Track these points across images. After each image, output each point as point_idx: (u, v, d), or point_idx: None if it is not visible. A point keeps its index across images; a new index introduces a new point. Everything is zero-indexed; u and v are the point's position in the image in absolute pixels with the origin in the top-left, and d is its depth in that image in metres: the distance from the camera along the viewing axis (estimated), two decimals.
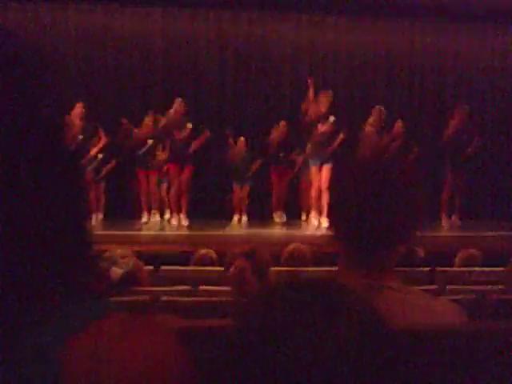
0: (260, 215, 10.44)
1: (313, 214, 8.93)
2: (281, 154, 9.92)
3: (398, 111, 11.49)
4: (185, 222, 8.82)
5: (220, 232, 8.36)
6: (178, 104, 8.76)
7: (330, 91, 8.74)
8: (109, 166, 10.00)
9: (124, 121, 9.75)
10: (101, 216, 9.96)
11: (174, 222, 8.90)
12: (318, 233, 8.13)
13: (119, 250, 3.55)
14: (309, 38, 12.16)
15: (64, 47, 11.42)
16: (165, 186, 10.13)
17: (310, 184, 9.07)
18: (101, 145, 9.23)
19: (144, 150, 9.49)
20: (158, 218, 10.18)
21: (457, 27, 12.43)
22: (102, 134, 9.42)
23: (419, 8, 11.71)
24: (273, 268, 3.23)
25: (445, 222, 9.15)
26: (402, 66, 12.44)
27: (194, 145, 8.83)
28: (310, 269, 4.42)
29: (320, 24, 12.20)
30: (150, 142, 9.47)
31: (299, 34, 12.14)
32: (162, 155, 9.58)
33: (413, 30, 12.48)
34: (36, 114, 0.66)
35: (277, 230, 9.26)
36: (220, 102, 11.85)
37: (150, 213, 9.85)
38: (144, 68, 11.67)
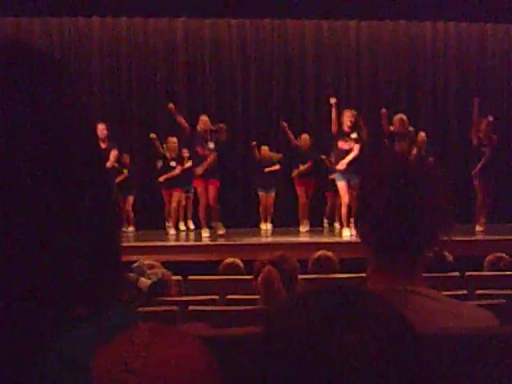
0: (286, 223, 10.46)
1: (339, 223, 8.96)
2: (302, 167, 9.92)
3: (420, 117, 11.45)
4: (221, 231, 8.86)
5: (247, 241, 8.36)
6: (203, 122, 8.76)
7: (354, 110, 8.75)
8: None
9: (152, 135, 9.81)
10: (132, 228, 10.15)
11: (205, 233, 8.91)
12: (345, 240, 8.10)
13: (147, 261, 3.57)
14: (332, 49, 12.13)
15: (84, 64, 11.56)
16: (191, 195, 10.24)
17: (336, 196, 9.14)
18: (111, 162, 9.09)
19: (166, 172, 9.64)
20: (185, 227, 10.28)
21: (478, 30, 12.32)
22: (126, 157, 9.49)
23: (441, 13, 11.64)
24: (300, 275, 3.22)
25: (478, 227, 9.12)
26: (424, 72, 12.35)
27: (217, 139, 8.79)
28: (337, 276, 4.40)
29: (343, 29, 12.17)
30: (173, 163, 9.57)
31: (321, 40, 12.13)
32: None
33: (435, 34, 12.39)
34: (71, 126, 0.67)
35: (303, 237, 9.24)
36: (245, 112, 11.88)
37: (176, 224, 9.95)
38: (166, 83, 11.74)
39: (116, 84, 11.72)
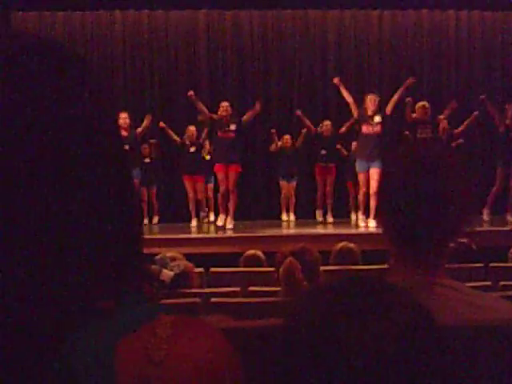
0: (308, 214, 10.44)
1: (361, 214, 8.88)
2: (323, 152, 9.91)
3: (444, 105, 11.32)
4: (230, 225, 8.79)
5: (268, 232, 8.37)
6: (223, 107, 8.74)
7: (377, 94, 8.68)
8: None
9: (162, 124, 9.85)
10: (156, 220, 10.23)
11: (220, 222, 8.91)
12: (367, 231, 8.06)
13: (170, 253, 3.59)
14: (353, 33, 12.05)
15: (107, 58, 11.62)
16: (211, 186, 10.27)
17: (357, 186, 9.05)
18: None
19: (187, 160, 9.65)
20: (206, 220, 10.32)
21: (501, 19, 12.14)
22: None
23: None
24: (322, 267, 3.22)
25: (510, 217, 9.02)
26: (448, 61, 12.21)
27: (247, 116, 8.74)
28: (359, 267, 4.39)
29: (365, 19, 12.08)
30: (193, 149, 9.61)
31: (343, 30, 12.05)
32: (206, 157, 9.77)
33: (458, 23, 12.23)
34: (95, 117, 0.68)
35: (325, 228, 9.22)
36: (265, 100, 11.85)
37: (198, 216, 9.99)
38: (189, 75, 11.75)
39: (138, 76, 11.78)
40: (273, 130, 10.34)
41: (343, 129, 9.75)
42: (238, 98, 11.53)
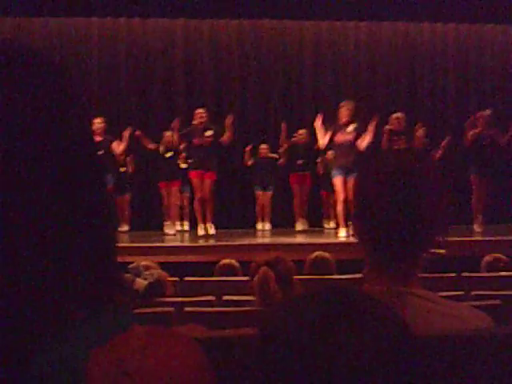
0: (283, 223, 10.47)
1: (336, 222, 8.89)
2: (298, 161, 9.97)
3: (419, 116, 11.46)
4: (212, 231, 8.77)
5: (243, 241, 8.36)
6: (199, 114, 8.73)
7: (351, 101, 8.67)
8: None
9: (137, 133, 9.77)
10: (126, 228, 10.12)
11: (201, 231, 8.86)
12: (342, 240, 8.08)
13: (144, 262, 3.57)
14: (330, 44, 12.16)
15: (83, 64, 11.56)
16: (187, 194, 10.23)
17: (332, 194, 9.06)
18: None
19: (164, 166, 9.61)
20: (181, 228, 10.27)
21: (479, 30, 12.35)
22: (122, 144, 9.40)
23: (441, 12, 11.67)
24: (297, 276, 3.22)
25: (477, 227, 9.09)
26: (422, 70, 12.38)
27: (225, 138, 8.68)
28: (333, 277, 4.40)
29: (340, 30, 12.20)
30: (170, 154, 9.57)
31: (319, 41, 12.15)
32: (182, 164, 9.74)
33: (433, 34, 12.42)
34: (69, 125, 0.67)
35: (299, 237, 9.24)
36: (243, 112, 11.89)
37: (173, 224, 9.93)
38: (165, 83, 11.74)
39: (114, 84, 11.73)
40: (247, 148, 10.34)
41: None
42: (215, 107, 11.55)
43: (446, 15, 11.92)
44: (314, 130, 8.76)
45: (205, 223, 8.85)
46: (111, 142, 9.03)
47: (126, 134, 9.15)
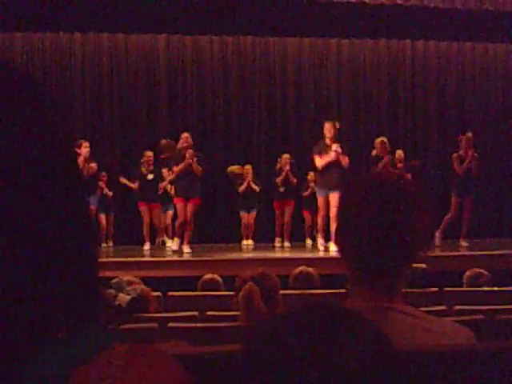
0: (267, 239, 10.48)
1: (320, 238, 8.91)
2: (281, 189, 9.97)
3: (402, 136, 11.60)
4: (187, 250, 8.74)
5: (228, 256, 8.34)
6: (184, 139, 8.73)
7: (335, 121, 8.70)
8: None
9: (122, 180, 9.88)
10: (111, 244, 10.16)
11: (175, 246, 8.88)
12: (326, 256, 8.10)
13: (127, 277, 3.54)
14: (312, 61, 12.25)
15: (65, 79, 11.54)
16: (171, 213, 10.29)
17: (314, 214, 9.09)
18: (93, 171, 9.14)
19: (145, 188, 9.64)
20: (162, 244, 10.26)
21: (456, 49, 12.52)
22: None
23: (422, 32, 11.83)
24: (281, 291, 3.22)
25: (463, 242, 9.19)
26: (404, 89, 12.51)
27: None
28: (317, 291, 4.40)
29: (322, 48, 12.30)
30: (151, 176, 9.57)
31: (302, 58, 12.24)
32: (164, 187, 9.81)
33: (414, 53, 12.56)
34: (53, 146, 0.67)
35: (284, 253, 9.25)
36: (226, 129, 11.91)
37: (154, 240, 9.95)
38: (148, 99, 11.75)
39: (97, 99, 11.69)
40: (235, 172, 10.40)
41: (306, 193, 10.10)
42: (198, 123, 11.57)
43: (426, 33, 12.07)
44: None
45: (182, 242, 8.84)
46: (90, 162, 9.00)
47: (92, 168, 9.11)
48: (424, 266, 4.42)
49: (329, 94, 12.28)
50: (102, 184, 10.24)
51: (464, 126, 11.62)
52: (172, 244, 8.92)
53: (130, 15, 11.00)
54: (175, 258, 8.48)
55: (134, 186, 9.82)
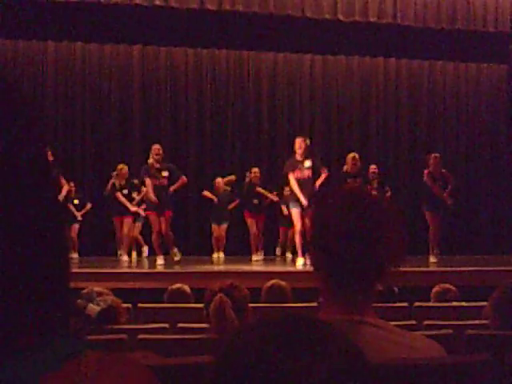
0: (239, 252, 10.49)
1: (291, 253, 8.93)
2: (254, 201, 10.01)
3: (375, 152, 11.73)
4: (177, 257, 8.72)
5: (199, 268, 8.31)
6: (155, 150, 8.67)
7: (306, 137, 8.70)
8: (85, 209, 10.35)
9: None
10: (75, 255, 10.05)
11: (160, 261, 8.78)
12: (298, 269, 8.11)
13: (97, 288, 3.51)
14: (286, 75, 12.34)
15: (38, 88, 11.45)
16: (140, 224, 10.27)
17: (289, 230, 9.11)
18: (64, 192, 9.02)
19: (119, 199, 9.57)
20: (134, 256, 10.21)
21: (428, 67, 12.73)
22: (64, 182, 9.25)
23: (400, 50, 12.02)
24: (252, 304, 3.22)
25: (432, 258, 9.29)
26: (377, 106, 12.66)
27: (172, 189, 8.70)
28: (289, 305, 4.41)
29: (297, 62, 12.40)
30: (125, 191, 9.51)
31: (276, 72, 12.32)
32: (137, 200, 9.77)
33: (387, 70, 12.73)
34: (24, 153, 0.66)
35: (255, 266, 9.24)
36: (199, 141, 11.92)
37: (129, 253, 9.88)
38: (121, 110, 11.70)
39: (70, 109, 11.60)
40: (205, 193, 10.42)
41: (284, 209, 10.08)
42: (172, 135, 11.56)
43: (398, 51, 12.27)
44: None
45: (163, 254, 8.76)
46: (58, 174, 8.87)
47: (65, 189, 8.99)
48: (392, 282, 4.45)
49: (302, 108, 12.36)
50: (70, 192, 10.14)
51: (435, 142, 11.81)
52: (158, 261, 8.79)
53: (104, 25, 10.98)
54: (145, 269, 8.42)
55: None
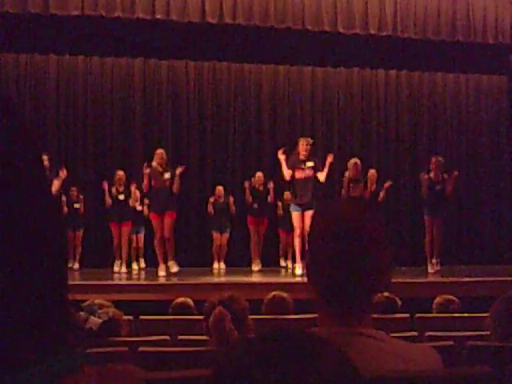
0: (239, 263, 10.46)
1: (292, 261, 8.94)
2: (255, 205, 10.03)
3: (375, 161, 11.72)
4: (175, 269, 8.69)
5: (199, 280, 8.30)
6: (158, 155, 8.74)
7: (309, 138, 8.83)
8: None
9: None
10: (77, 265, 9.97)
11: (161, 272, 8.73)
12: (299, 280, 8.09)
13: (98, 300, 3.51)
14: (287, 87, 12.38)
15: (40, 101, 11.47)
16: (142, 236, 10.24)
17: (288, 234, 9.12)
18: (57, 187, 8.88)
19: (115, 208, 9.54)
20: (137, 267, 10.18)
21: (428, 78, 12.75)
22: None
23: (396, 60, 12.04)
24: (253, 316, 3.22)
25: (430, 268, 9.21)
26: (377, 117, 12.67)
27: (175, 188, 8.69)
28: (290, 316, 4.40)
29: (298, 75, 12.43)
30: (122, 197, 9.50)
31: (277, 85, 12.35)
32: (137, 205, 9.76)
33: (387, 81, 12.75)
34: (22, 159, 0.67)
35: (256, 277, 9.22)
36: (201, 153, 11.93)
37: (128, 264, 9.85)
38: (123, 122, 11.72)
39: (71, 122, 11.63)
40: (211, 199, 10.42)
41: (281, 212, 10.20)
42: (173, 147, 11.56)
43: (398, 63, 12.30)
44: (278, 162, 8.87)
45: (166, 262, 8.75)
46: (51, 180, 8.84)
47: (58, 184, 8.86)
48: (386, 293, 4.43)
49: (303, 121, 12.38)
50: (72, 197, 10.11)
51: (435, 154, 11.79)
52: (159, 270, 8.77)
53: (106, 39, 11.02)
54: (147, 281, 8.41)
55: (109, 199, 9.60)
